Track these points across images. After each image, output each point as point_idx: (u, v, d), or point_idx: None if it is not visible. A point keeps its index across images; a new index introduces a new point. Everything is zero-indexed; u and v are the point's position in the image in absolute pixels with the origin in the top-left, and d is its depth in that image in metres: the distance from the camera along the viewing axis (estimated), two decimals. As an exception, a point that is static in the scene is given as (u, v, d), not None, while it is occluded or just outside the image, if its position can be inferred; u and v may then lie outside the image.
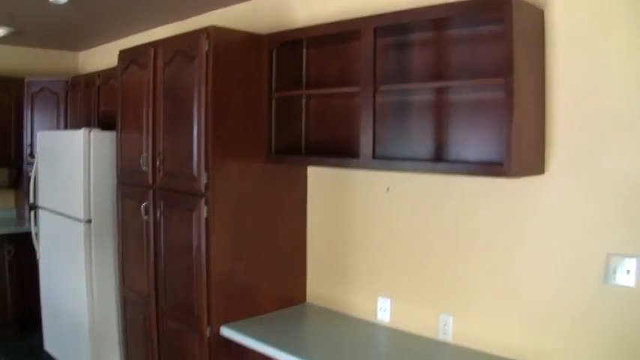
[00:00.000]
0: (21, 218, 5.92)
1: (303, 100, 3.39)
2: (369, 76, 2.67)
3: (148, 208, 3.52)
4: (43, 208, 4.66)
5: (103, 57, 5.70)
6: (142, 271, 3.65)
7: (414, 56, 2.86)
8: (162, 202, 3.41)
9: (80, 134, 3.97)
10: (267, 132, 3.25)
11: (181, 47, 3.22)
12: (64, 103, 5.56)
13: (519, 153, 2.26)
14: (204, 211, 3.05)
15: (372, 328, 3.13)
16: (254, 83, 3.23)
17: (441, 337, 2.85)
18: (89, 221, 3.98)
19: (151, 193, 3.49)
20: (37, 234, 4.84)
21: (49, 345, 4.81)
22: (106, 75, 4.81)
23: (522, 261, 2.57)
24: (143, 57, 3.55)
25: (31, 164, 5.35)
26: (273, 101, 3.24)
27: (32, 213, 4.85)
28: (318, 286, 3.54)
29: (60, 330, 4.58)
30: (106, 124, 4.37)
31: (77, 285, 4.12)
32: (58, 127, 5.55)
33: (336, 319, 3.28)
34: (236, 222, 3.18)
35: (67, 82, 5.58)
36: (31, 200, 4.83)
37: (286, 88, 3.27)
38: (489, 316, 2.69)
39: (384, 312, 3.13)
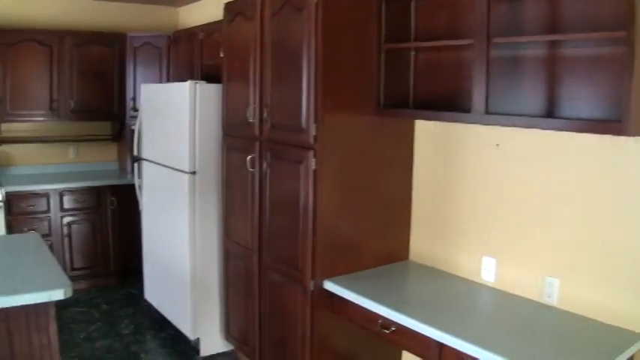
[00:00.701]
0: (123, 170, 6.33)
1: (412, 53, 3.43)
2: (483, 28, 2.68)
3: (254, 161, 3.71)
4: (147, 160, 4.97)
5: (203, 11, 5.97)
6: (245, 224, 3.87)
7: (527, 7, 2.83)
8: (268, 154, 3.58)
9: (186, 87, 4.18)
10: (375, 84, 3.33)
11: None
12: (166, 57, 5.89)
13: (639, 111, 2.23)
14: (312, 163, 3.18)
15: (475, 287, 3.19)
16: (362, 35, 3.30)
17: (546, 300, 2.88)
18: (194, 173, 4.21)
19: (257, 145, 3.68)
20: (139, 186, 5.20)
21: (149, 294, 5.19)
22: (209, 29, 5.03)
23: (637, 225, 2.54)
24: (250, 9, 3.70)
25: (134, 118, 5.74)
26: (382, 53, 3.32)
27: (136, 165, 5.20)
28: (421, 244, 3.63)
29: (160, 280, 4.92)
30: (209, 77, 4.58)
31: (180, 237, 4.39)
32: (160, 81, 5.87)
33: (439, 277, 3.37)
34: (343, 175, 3.30)
35: (169, 36, 5.89)
36: (135, 152, 5.15)
37: (395, 40, 3.32)
38: (599, 282, 2.68)
39: (488, 272, 3.19)
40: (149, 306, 5.24)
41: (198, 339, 4.44)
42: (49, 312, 2.72)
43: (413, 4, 3.42)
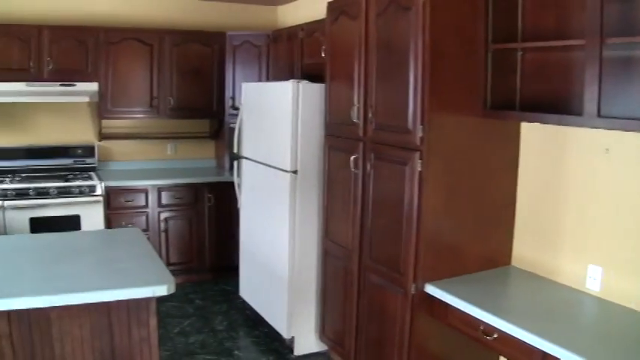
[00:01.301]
0: (220, 168, 6.64)
1: (519, 53, 3.44)
2: (596, 28, 2.67)
3: (357, 161, 3.84)
4: (247, 159, 5.19)
5: (302, 10, 6.19)
6: (346, 224, 4.01)
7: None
8: (372, 155, 3.69)
9: (289, 86, 4.36)
10: (482, 85, 3.39)
11: None
12: (265, 56, 6.13)
13: None
14: (418, 165, 3.28)
15: (580, 296, 3.17)
16: (469, 34, 3.36)
17: (657, 313, 2.82)
18: (295, 172, 4.39)
19: (361, 145, 3.80)
20: (239, 184, 5.44)
21: (244, 291, 5.43)
22: (310, 28, 5.20)
23: None
24: (353, 8, 3.83)
25: (232, 116, 6.01)
26: (489, 53, 3.37)
27: (235, 163, 5.44)
28: (524, 249, 3.64)
29: (256, 278, 5.14)
30: (309, 76, 4.74)
31: (279, 235, 4.59)
32: (259, 80, 6.11)
33: (542, 284, 3.37)
34: (448, 178, 3.37)
35: (268, 35, 6.13)
36: (235, 151, 5.39)
37: (501, 40, 3.36)
38: None
39: (593, 281, 3.16)
40: (243, 303, 5.48)
41: (292, 338, 4.62)
42: (150, 306, 2.88)
43: (520, 2, 3.43)
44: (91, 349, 2.86)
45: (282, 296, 4.60)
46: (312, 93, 4.36)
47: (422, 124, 3.26)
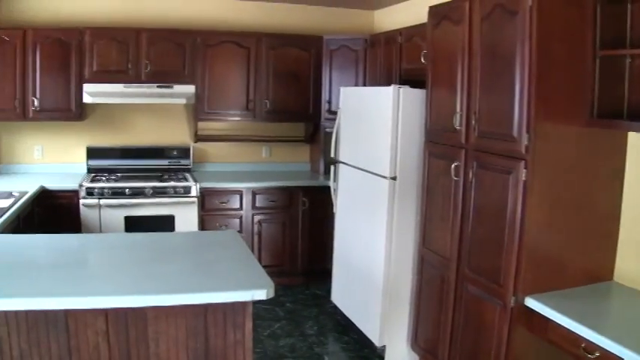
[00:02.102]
0: (315, 172, 6.79)
1: (627, 60, 3.34)
2: None
3: (458, 169, 3.85)
4: (344, 164, 5.27)
5: (400, 15, 6.25)
6: (444, 233, 4.02)
7: None
8: (474, 163, 3.69)
9: (389, 91, 4.40)
10: (588, 93, 3.32)
11: (501, 1, 3.42)
12: (362, 61, 6.20)
13: None
14: (522, 174, 3.26)
15: None
16: (576, 40, 3.30)
17: None
18: (394, 178, 4.43)
19: (462, 153, 3.81)
20: (334, 189, 5.53)
21: (336, 296, 5.51)
22: (408, 32, 5.24)
23: None
24: (456, 12, 3.85)
25: (328, 120, 6.13)
26: (597, 60, 3.30)
27: (332, 168, 5.53)
28: (627, 265, 3.53)
29: (350, 283, 5.21)
30: (407, 81, 4.76)
31: (375, 241, 4.64)
32: (355, 85, 6.20)
33: None
34: (552, 188, 3.33)
35: (365, 39, 6.21)
36: (332, 155, 5.48)
37: (610, 46, 3.28)
38: None
39: None
40: (334, 308, 5.57)
41: (384, 346, 4.66)
42: (246, 309, 2.92)
43: (629, 7, 3.33)
44: (185, 349, 2.96)
45: (376, 303, 4.65)
46: (412, 98, 4.39)
47: (527, 132, 3.24)
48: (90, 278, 3.03)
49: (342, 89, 5.42)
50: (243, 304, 2.89)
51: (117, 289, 2.80)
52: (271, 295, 2.79)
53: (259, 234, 6.13)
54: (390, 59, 5.60)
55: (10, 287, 2.79)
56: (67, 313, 2.81)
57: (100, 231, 5.65)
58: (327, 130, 6.31)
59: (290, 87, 6.45)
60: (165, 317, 2.90)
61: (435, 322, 4.20)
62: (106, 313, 2.84)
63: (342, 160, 5.31)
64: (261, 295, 2.77)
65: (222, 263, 3.26)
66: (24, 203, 4.80)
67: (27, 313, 2.78)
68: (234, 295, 2.81)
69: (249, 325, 2.94)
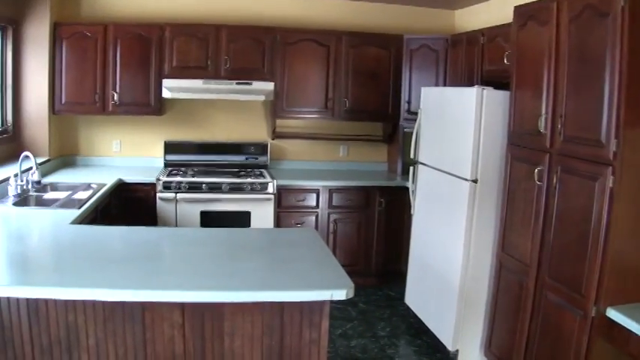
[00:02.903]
0: (392, 172, 6.78)
1: None
2: None
3: (542, 173, 3.79)
4: (424, 165, 5.27)
5: (482, 15, 6.18)
6: (525, 238, 3.97)
7: None
8: (559, 168, 3.63)
9: (473, 92, 4.37)
10: None
11: (591, 1, 3.34)
12: (443, 61, 6.16)
13: None
14: (609, 181, 3.19)
15: None
16: None
17: None
18: (475, 181, 4.41)
19: (547, 157, 3.75)
20: (413, 190, 5.52)
21: (410, 299, 5.52)
22: (491, 33, 5.17)
23: None
24: (543, 13, 3.78)
25: (408, 120, 6.13)
26: None
27: (411, 169, 5.52)
28: None
29: (424, 286, 5.21)
30: (489, 83, 4.69)
31: (453, 244, 4.62)
32: (435, 85, 6.17)
33: None
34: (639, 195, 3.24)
35: (446, 39, 6.17)
36: (412, 156, 5.47)
37: None
38: None
39: None
40: (407, 310, 5.57)
41: (457, 351, 4.65)
42: (324, 309, 2.90)
43: None
44: (260, 346, 2.99)
45: (451, 307, 4.64)
46: (495, 100, 4.34)
47: (616, 137, 3.17)
48: (167, 272, 3.12)
49: (424, 89, 5.41)
50: (321, 303, 2.89)
51: (195, 284, 2.86)
52: (350, 295, 2.78)
53: (334, 233, 6.16)
54: (471, 60, 5.55)
55: (89, 278, 2.90)
56: (144, 306, 2.91)
57: (176, 225, 5.81)
58: (406, 130, 6.30)
59: (369, 86, 6.46)
60: (241, 313, 2.94)
61: (510, 329, 4.15)
62: (182, 306, 2.92)
63: (422, 161, 5.31)
64: (340, 295, 2.76)
65: (301, 261, 3.27)
66: (102, 195, 5.00)
67: (104, 303, 2.89)
68: (313, 294, 2.82)
69: (325, 324, 2.93)
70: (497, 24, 5.04)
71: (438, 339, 4.88)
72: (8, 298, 2.88)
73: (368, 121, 6.69)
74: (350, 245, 6.23)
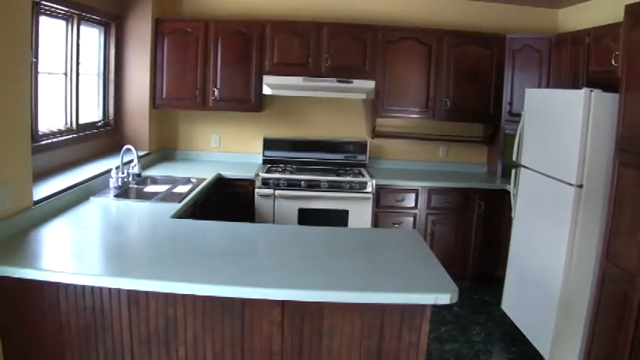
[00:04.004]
0: (492, 174, 6.63)
1: None
2: None
3: (650, 179, 3.62)
4: (526, 168, 5.12)
5: (588, 14, 5.96)
6: (631, 247, 3.79)
7: None
8: None
9: (580, 95, 4.22)
10: None
11: None
12: (546, 61, 5.94)
13: None
14: None
15: None
16: None
17: None
18: (580, 186, 4.25)
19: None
20: (514, 194, 5.38)
21: (507, 305, 5.39)
22: (598, 33, 4.93)
23: None
24: None
25: (509, 122, 6.00)
26: None
27: (513, 172, 5.38)
28: None
29: (523, 292, 5.07)
30: (595, 84, 4.49)
31: (555, 251, 4.47)
32: (538, 86, 5.97)
33: None
34: None
35: (550, 39, 5.95)
36: (514, 158, 5.33)
37: None
38: None
39: None
40: (503, 316, 5.45)
41: (554, 360, 4.50)
42: (425, 312, 2.87)
43: None
44: (358, 346, 2.99)
45: (550, 316, 4.50)
46: (604, 103, 4.17)
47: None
48: (267, 269, 3.14)
49: (528, 90, 5.25)
50: (422, 306, 2.86)
51: (296, 282, 2.88)
52: (454, 300, 2.74)
53: (432, 234, 6.09)
54: (576, 60, 5.32)
55: (190, 272, 2.98)
56: (244, 302, 2.96)
57: (274, 221, 5.89)
58: (507, 132, 6.16)
59: (470, 86, 6.35)
60: (341, 313, 2.95)
61: (611, 342, 3.98)
62: (282, 304, 2.95)
63: (525, 164, 5.16)
64: (444, 299, 2.73)
65: (403, 263, 3.24)
66: (201, 190, 5.13)
67: (204, 298, 2.96)
68: (417, 297, 2.78)
69: (425, 328, 2.91)
70: (604, 23, 4.84)
71: (534, 347, 4.75)
72: (110, 289, 3.01)
73: (468, 121, 6.58)
74: (447, 247, 6.14)
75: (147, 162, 6.08)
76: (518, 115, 5.41)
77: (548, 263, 4.60)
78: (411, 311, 2.88)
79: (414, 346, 2.93)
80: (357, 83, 6.20)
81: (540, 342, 4.66)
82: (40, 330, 3.12)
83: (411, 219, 6.10)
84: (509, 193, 5.53)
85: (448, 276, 2.97)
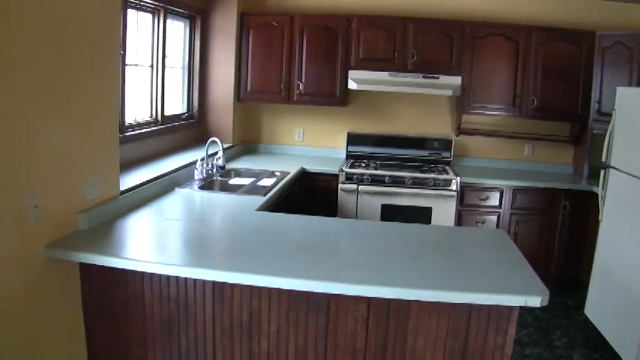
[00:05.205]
0: (578, 175, 6.44)
1: None
2: None
3: None
4: (616, 169, 4.96)
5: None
6: None
7: None
8: None
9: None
10: None
11: None
12: (637, 59, 5.72)
13: None
14: None
15: None
16: None
17: None
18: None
19: None
20: (602, 196, 5.22)
21: (590, 310, 5.24)
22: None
23: None
24: None
25: (597, 121, 5.84)
26: None
27: (602, 173, 5.21)
28: None
29: (608, 298, 4.92)
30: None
31: (645, 257, 4.32)
32: (629, 84, 5.75)
33: None
34: None
35: (640, 36, 5.72)
36: (603, 159, 5.17)
37: None
38: None
39: None
40: (585, 321, 5.31)
41: (639, 370, 4.35)
42: (512, 315, 2.83)
43: None
44: (443, 347, 2.97)
45: (636, 323, 4.36)
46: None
47: None
48: (352, 264, 3.14)
49: (619, 89, 5.07)
50: (510, 308, 2.82)
51: (382, 279, 2.85)
52: (545, 303, 2.66)
53: (515, 234, 5.98)
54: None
55: (275, 265, 3.01)
56: (330, 298, 2.99)
57: (356, 216, 5.92)
58: (595, 131, 5.99)
59: (558, 84, 6.18)
60: (428, 313, 2.94)
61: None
62: (369, 301, 2.97)
63: (614, 166, 4.99)
64: (534, 302, 2.65)
65: (491, 263, 3.18)
66: (286, 183, 5.21)
67: (290, 292, 3.00)
68: (506, 298, 2.72)
69: (512, 331, 2.87)
70: None
71: (618, 355, 4.61)
72: (194, 280, 3.10)
73: (555, 120, 6.40)
74: (529, 248, 5.95)
75: (230, 155, 6.20)
76: (607, 115, 5.26)
77: (636, 269, 4.45)
78: (497, 313, 2.85)
79: (499, 349, 2.89)
80: (444, 79, 6.15)
81: (625, 350, 4.51)
82: (124, 319, 3.25)
83: (495, 218, 6.01)
84: (596, 194, 5.37)
85: (538, 278, 2.88)
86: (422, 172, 6.08)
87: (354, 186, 5.92)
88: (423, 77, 6.14)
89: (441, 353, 2.97)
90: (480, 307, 2.84)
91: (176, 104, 6.12)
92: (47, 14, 2.90)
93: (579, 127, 6.37)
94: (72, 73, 3.15)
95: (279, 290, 2.99)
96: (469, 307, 2.86)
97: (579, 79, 6.18)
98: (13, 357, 2.81)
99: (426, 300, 2.82)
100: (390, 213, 5.89)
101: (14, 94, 2.70)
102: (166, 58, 5.59)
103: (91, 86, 3.37)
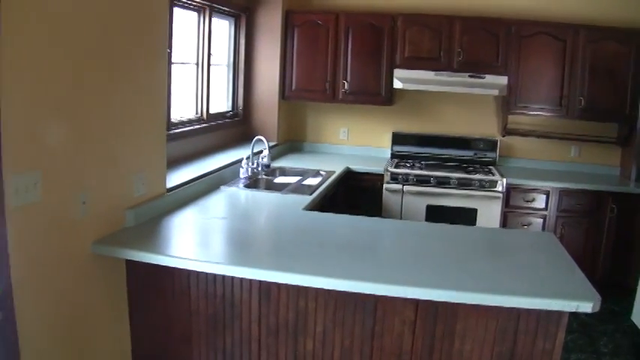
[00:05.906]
0: (625, 177, 6.30)
1: None
2: None
3: None
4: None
5: None
6: None
7: None
8: None
9: None
10: None
11: None
12: (688, 60, 5.53)
13: None
14: None
15: None
16: None
17: None
18: None
19: None
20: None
21: (637, 316, 5.13)
22: None
23: None
24: None
25: (646, 121, 5.69)
26: None
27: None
28: None
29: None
30: None
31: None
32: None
33: None
34: None
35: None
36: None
37: None
38: None
39: None
40: (632, 328, 5.21)
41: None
42: (561, 320, 2.77)
43: None
44: (490, 351, 2.93)
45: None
46: None
47: None
48: (399, 266, 3.12)
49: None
50: (559, 313, 2.76)
51: (430, 281, 2.83)
52: (596, 309, 2.60)
53: (561, 238, 5.85)
54: None
55: (322, 265, 3.01)
56: (377, 299, 2.97)
57: (401, 217, 5.90)
58: (646, 132, 5.88)
59: (606, 84, 6.04)
60: (476, 316, 2.90)
61: None
62: (417, 303, 2.94)
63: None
64: (586, 307, 2.60)
65: (539, 266, 3.14)
66: (331, 183, 5.22)
67: (337, 292, 3.00)
68: (558, 303, 2.66)
69: (561, 336, 2.81)
70: None
71: (666, 364, 4.52)
72: (241, 279, 3.11)
73: (603, 121, 6.26)
74: (575, 252, 5.67)
75: (275, 153, 6.23)
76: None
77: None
78: (547, 318, 2.79)
79: (548, 354, 2.83)
80: (490, 79, 6.09)
81: (673, 359, 4.43)
82: (169, 315, 3.30)
83: (540, 220, 5.93)
84: (646, 197, 5.26)
85: (589, 283, 2.82)
86: (467, 172, 6.03)
87: (399, 186, 5.90)
88: (469, 77, 6.10)
89: (488, 357, 2.93)
90: (529, 312, 2.79)
91: (221, 102, 6.17)
92: (97, 15, 2.96)
93: (627, 128, 6.23)
94: (121, 73, 3.21)
95: (326, 291, 2.98)
96: (517, 312, 2.81)
97: (628, 79, 6.03)
98: (60, 350, 2.86)
99: (475, 303, 2.79)
100: (434, 214, 5.85)
101: (69, 94, 2.75)
102: (212, 56, 5.63)
103: (140, 85, 3.42)
